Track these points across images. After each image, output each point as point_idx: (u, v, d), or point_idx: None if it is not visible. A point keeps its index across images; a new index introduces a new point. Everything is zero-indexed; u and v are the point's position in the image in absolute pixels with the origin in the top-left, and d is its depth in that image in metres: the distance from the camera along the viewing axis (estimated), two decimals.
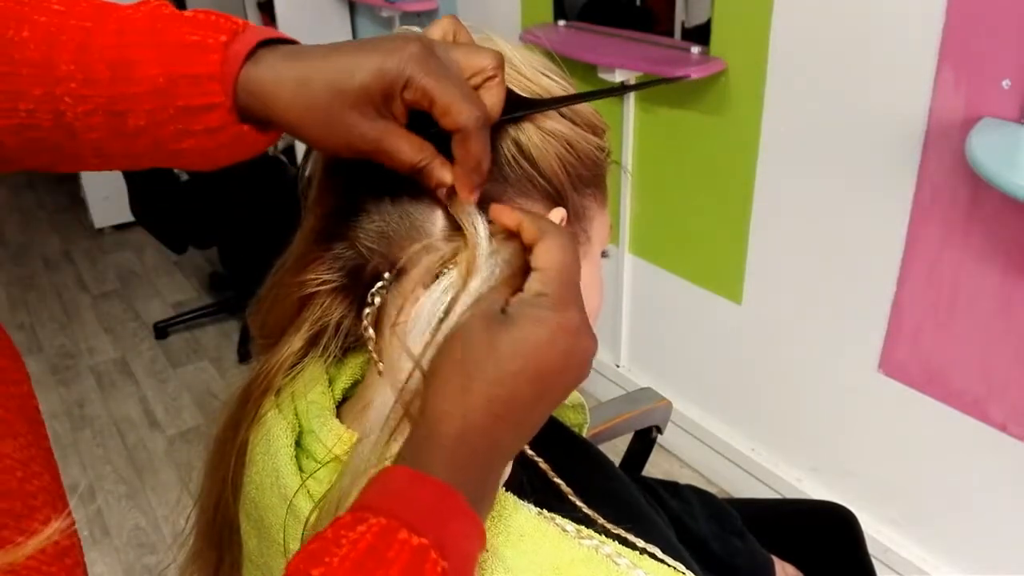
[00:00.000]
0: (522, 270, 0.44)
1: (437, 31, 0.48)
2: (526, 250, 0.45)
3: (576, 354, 0.42)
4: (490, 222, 0.46)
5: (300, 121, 0.43)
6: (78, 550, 0.38)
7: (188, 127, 0.43)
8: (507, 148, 0.49)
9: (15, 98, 0.42)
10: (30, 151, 0.45)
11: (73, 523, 0.37)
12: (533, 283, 0.43)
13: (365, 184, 0.49)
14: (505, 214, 0.46)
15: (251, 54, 0.42)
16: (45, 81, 0.42)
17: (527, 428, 0.43)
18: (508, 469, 0.57)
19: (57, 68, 0.42)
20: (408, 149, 0.44)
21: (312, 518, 0.47)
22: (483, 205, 0.47)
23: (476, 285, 0.44)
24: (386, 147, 0.44)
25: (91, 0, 0.44)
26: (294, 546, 0.49)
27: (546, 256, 0.43)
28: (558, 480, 0.59)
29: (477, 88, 0.45)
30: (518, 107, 0.48)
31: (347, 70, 0.42)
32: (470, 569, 0.40)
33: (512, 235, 0.46)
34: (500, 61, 0.45)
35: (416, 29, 0.47)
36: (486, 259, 0.45)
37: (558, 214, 0.49)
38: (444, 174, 0.45)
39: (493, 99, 0.45)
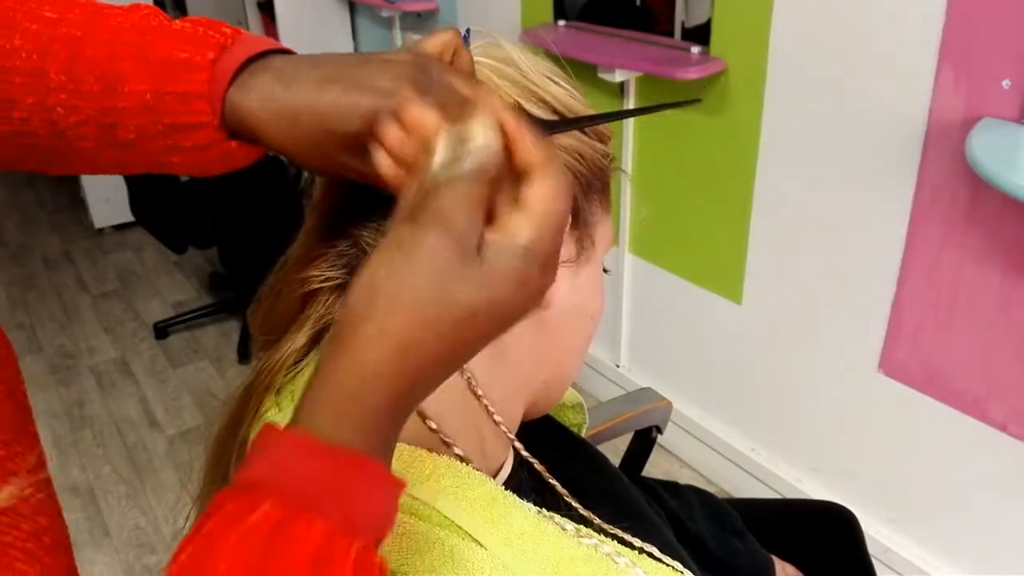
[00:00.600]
0: (497, 189, 0.35)
1: (437, 45, 0.48)
2: (514, 174, 0.36)
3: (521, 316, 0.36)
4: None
5: (290, 151, 0.43)
6: (59, 531, 0.38)
7: (177, 143, 0.43)
8: None
9: (8, 106, 0.42)
10: (21, 156, 0.45)
11: (50, 494, 0.36)
12: (522, 228, 0.34)
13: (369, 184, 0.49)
14: (509, 120, 0.36)
15: (241, 69, 0.42)
16: (37, 90, 0.42)
17: (443, 378, 0.37)
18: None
19: (48, 78, 0.42)
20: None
21: None
22: None
23: (435, 166, 0.35)
24: (379, 176, 0.44)
25: (83, 5, 0.44)
26: None
27: (545, 200, 0.35)
28: (553, 481, 0.59)
29: None
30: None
31: (338, 112, 0.41)
32: (386, 529, 0.34)
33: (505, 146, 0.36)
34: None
35: (416, 38, 0.47)
36: (451, 141, 0.35)
37: None
38: None
39: None
